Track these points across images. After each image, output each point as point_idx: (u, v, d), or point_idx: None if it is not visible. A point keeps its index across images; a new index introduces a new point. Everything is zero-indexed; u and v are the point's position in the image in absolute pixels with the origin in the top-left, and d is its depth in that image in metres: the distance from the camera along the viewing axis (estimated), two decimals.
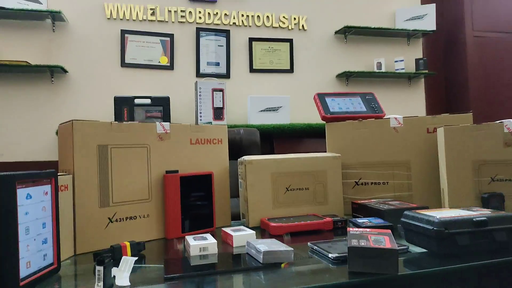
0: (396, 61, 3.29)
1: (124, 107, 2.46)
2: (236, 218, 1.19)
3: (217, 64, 3.00)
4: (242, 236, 0.84)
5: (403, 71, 3.25)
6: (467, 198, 0.98)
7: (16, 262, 0.56)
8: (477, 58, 3.46)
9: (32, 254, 0.61)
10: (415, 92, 3.45)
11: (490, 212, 0.73)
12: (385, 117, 1.21)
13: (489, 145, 0.97)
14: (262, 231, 0.99)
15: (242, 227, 0.92)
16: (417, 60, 3.31)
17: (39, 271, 0.62)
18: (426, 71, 3.28)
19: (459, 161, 0.98)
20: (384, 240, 0.63)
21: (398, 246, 0.69)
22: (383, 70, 3.22)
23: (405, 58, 3.34)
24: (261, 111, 2.76)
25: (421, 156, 1.15)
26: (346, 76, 3.25)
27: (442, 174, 1.03)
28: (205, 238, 0.81)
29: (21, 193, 0.59)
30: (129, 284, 0.60)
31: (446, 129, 0.99)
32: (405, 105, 3.41)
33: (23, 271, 0.58)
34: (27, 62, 2.52)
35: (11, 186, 0.57)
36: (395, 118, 1.18)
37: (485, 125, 0.98)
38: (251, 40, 3.08)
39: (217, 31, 3.01)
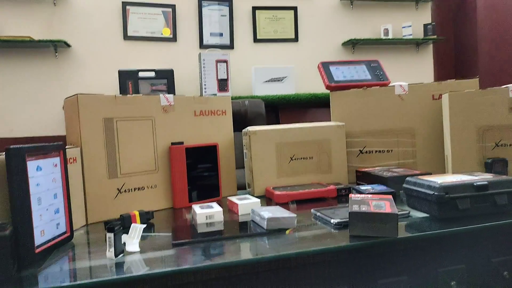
0: (403, 27, 3.20)
1: (128, 80, 2.46)
2: (242, 188, 1.21)
3: (221, 34, 2.96)
4: (247, 205, 0.86)
5: (410, 37, 3.18)
6: (470, 164, 0.98)
7: (31, 231, 0.59)
8: (488, 21, 3.36)
9: (46, 223, 0.64)
10: (423, 58, 3.38)
11: (491, 177, 0.74)
12: (390, 85, 1.20)
13: (493, 110, 0.97)
14: (267, 199, 1.01)
15: (247, 196, 0.94)
16: (425, 26, 3.22)
17: (53, 239, 0.65)
18: (435, 36, 3.20)
19: (463, 127, 0.98)
20: (385, 205, 0.64)
21: (399, 211, 0.70)
22: (390, 36, 3.15)
23: (413, 23, 3.25)
24: (266, 81, 2.74)
25: (426, 123, 1.15)
26: (352, 44, 3.19)
27: (446, 141, 1.03)
28: (211, 207, 0.83)
29: (31, 165, 0.61)
30: (139, 249, 0.63)
31: (451, 95, 0.98)
32: (412, 73, 3.36)
33: (38, 239, 0.61)
34: (30, 37, 2.51)
35: (21, 158, 0.59)
36: (400, 86, 1.17)
37: (491, 90, 0.97)
38: (254, 8, 3.01)
39: (220, 0, 2.94)
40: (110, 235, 0.58)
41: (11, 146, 0.58)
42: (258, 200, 0.88)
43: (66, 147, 0.80)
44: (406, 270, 0.67)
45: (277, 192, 0.95)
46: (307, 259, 0.62)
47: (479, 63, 3.35)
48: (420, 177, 0.78)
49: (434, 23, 3.20)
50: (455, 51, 3.60)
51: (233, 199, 0.90)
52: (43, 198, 0.63)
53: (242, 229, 0.73)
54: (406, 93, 1.16)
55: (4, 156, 0.61)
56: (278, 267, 0.61)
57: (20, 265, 0.58)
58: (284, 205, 0.93)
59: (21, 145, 0.59)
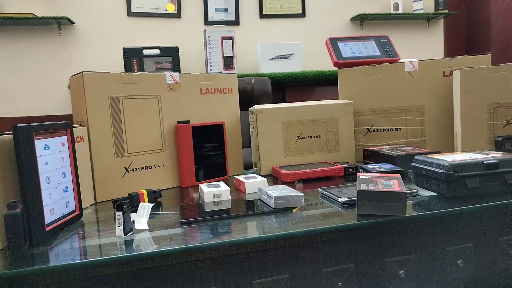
0: (414, 1, 3.11)
1: (133, 58, 2.44)
2: (249, 167, 1.21)
3: (226, 10, 2.90)
4: (254, 183, 0.86)
5: (421, 11, 3.09)
6: (480, 142, 0.97)
7: (41, 209, 0.60)
8: None
9: (55, 202, 0.64)
10: (434, 34, 3.30)
11: (502, 155, 0.73)
12: (400, 61, 1.17)
13: (506, 87, 0.94)
14: (274, 178, 1.01)
15: (254, 175, 0.94)
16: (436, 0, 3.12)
17: (62, 217, 0.66)
18: (446, 11, 3.11)
19: (474, 104, 0.96)
20: (393, 184, 0.64)
21: (407, 190, 0.70)
22: (400, 11, 3.06)
23: None
24: (272, 59, 2.70)
25: (436, 100, 1.13)
26: (360, 19, 3.11)
27: (456, 118, 1.01)
28: (219, 186, 0.83)
29: (39, 144, 0.61)
30: (147, 228, 0.64)
31: (462, 71, 0.96)
32: (422, 49, 3.28)
33: (48, 217, 0.62)
34: (33, 14, 2.48)
35: (29, 137, 0.59)
36: (410, 62, 1.14)
37: (503, 66, 0.94)
38: None
39: None
40: (119, 214, 0.59)
41: (19, 125, 0.58)
42: (265, 179, 0.88)
43: (73, 126, 0.80)
44: (413, 248, 0.67)
45: (284, 171, 0.95)
46: (315, 237, 0.62)
47: (491, 39, 3.26)
48: (429, 155, 0.77)
49: None
50: (467, 26, 3.50)
51: (240, 178, 0.90)
52: (52, 177, 0.64)
53: (249, 207, 0.73)
54: (416, 69, 1.13)
55: (12, 134, 0.61)
56: (285, 245, 0.61)
57: (31, 242, 0.59)
58: (291, 184, 0.93)
59: (28, 124, 0.59)
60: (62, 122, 0.68)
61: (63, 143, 0.68)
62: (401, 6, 3.07)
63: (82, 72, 0.83)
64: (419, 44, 3.28)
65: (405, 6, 3.17)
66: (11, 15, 2.42)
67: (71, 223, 0.69)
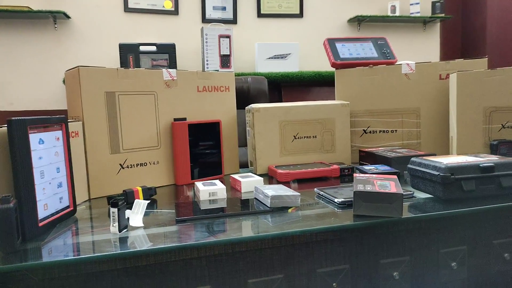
0: (411, 4, 3.13)
1: (129, 54, 2.42)
2: (244, 166, 1.21)
3: (223, 8, 2.89)
4: (250, 182, 0.86)
5: (418, 14, 3.10)
6: (475, 146, 0.97)
7: (34, 204, 0.59)
8: (497, 0, 3.27)
9: (49, 197, 0.63)
10: (430, 37, 3.32)
11: (497, 158, 0.73)
12: (397, 63, 1.17)
13: (502, 91, 0.95)
14: (270, 178, 1.01)
15: (250, 174, 0.93)
16: (433, 3, 3.14)
17: (56, 213, 0.65)
18: (443, 14, 3.12)
19: (470, 107, 0.96)
20: (390, 185, 0.64)
21: (403, 192, 0.70)
22: (397, 14, 3.08)
23: (421, 0, 3.17)
24: (269, 58, 2.70)
25: (432, 103, 1.13)
26: (358, 21, 3.12)
27: (452, 121, 1.01)
28: (214, 184, 0.83)
29: (34, 138, 0.60)
30: (142, 225, 0.63)
31: (459, 74, 0.97)
32: (418, 52, 3.30)
33: (41, 213, 0.61)
34: (28, 7, 2.45)
35: (24, 131, 0.58)
36: (407, 64, 1.14)
37: (500, 70, 0.95)
38: None
39: None
40: (114, 210, 0.58)
41: (13, 118, 0.57)
42: (261, 178, 0.88)
43: (68, 120, 0.79)
44: (408, 250, 0.67)
45: (280, 171, 0.95)
46: (310, 237, 0.62)
47: (487, 43, 3.29)
48: (425, 157, 0.77)
49: (443, 1, 3.12)
50: (463, 30, 3.52)
51: (236, 176, 0.90)
52: (46, 172, 0.63)
53: (245, 206, 0.73)
54: (413, 72, 1.13)
55: (5, 128, 0.60)
56: (281, 244, 0.61)
57: (24, 238, 0.58)
58: (286, 183, 0.92)
59: (23, 117, 0.58)
60: (57, 116, 0.67)
61: (58, 138, 0.67)
62: (399, 8, 3.08)
63: (78, 66, 0.82)
64: (416, 47, 3.30)
65: (402, 9, 3.18)
66: (6, 8, 2.39)
67: (65, 219, 0.68)
